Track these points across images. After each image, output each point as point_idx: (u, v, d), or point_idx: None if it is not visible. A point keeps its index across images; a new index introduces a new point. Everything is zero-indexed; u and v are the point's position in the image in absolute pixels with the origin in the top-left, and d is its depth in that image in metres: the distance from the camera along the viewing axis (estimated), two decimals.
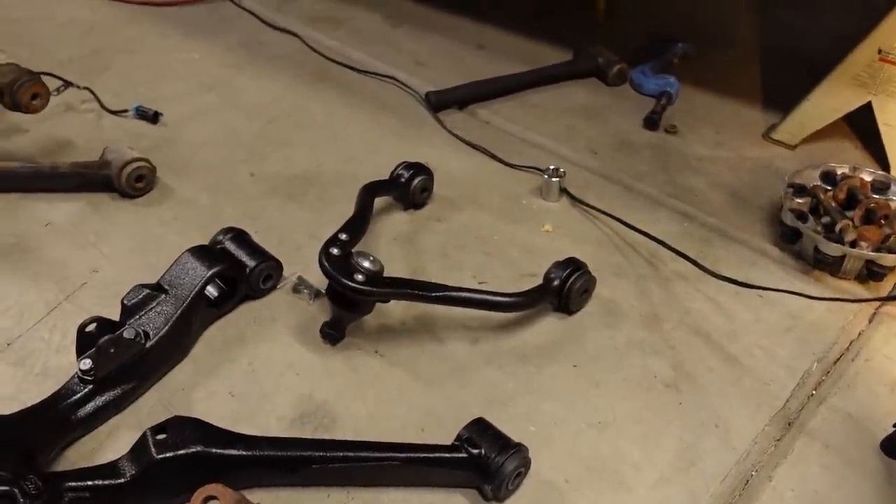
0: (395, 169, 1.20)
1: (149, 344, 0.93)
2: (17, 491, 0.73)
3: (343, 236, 0.98)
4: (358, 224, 1.04)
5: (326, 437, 0.89)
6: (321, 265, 0.94)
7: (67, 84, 1.44)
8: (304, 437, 0.89)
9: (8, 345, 1.01)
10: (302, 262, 1.12)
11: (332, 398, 0.93)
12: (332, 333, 0.99)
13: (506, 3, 1.84)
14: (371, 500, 0.83)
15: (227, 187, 1.27)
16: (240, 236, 1.08)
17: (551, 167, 1.24)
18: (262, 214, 1.22)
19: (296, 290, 1.08)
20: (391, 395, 0.94)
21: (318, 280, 1.07)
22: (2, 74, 1.17)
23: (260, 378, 0.96)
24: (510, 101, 1.50)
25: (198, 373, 0.97)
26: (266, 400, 0.93)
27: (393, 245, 1.16)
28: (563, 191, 1.24)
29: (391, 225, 1.20)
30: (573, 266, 1.03)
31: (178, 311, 0.96)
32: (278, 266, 1.08)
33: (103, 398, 0.90)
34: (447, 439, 0.84)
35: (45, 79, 1.24)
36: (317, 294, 1.07)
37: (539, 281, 1.05)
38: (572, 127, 1.44)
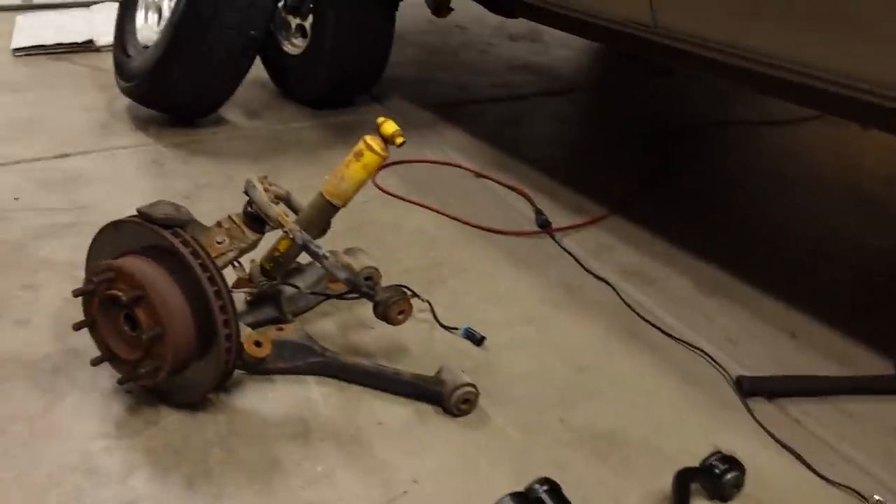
0: (709, 458, 1.22)
1: None
2: None
3: None
4: None
5: None
6: None
7: (414, 295, 1.65)
8: None
9: None
10: None
11: None
12: None
13: (821, 291, 1.84)
14: None
15: (537, 428, 1.36)
16: (555, 490, 1.14)
17: (876, 498, 1.19)
18: (568, 465, 1.28)
19: None
20: None
21: None
22: (381, 287, 1.38)
23: None
24: (824, 403, 1.46)
25: None
26: None
27: None
28: None
29: None
30: None
31: None
32: None
33: None
34: None
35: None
36: None
37: None
38: (893, 451, 1.37)
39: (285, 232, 1.32)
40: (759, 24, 1.25)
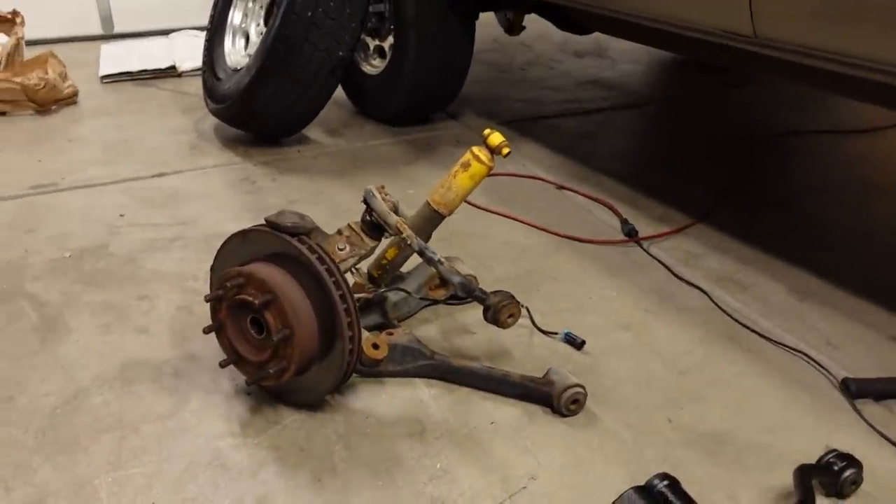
0: (826, 455, 1.23)
1: None
2: None
3: None
4: None
5: None
6: None
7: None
8: None
9: None
10: None
11: None
12: None
13: None
14: None
15: (646, 428, 1.39)
16: (675, 485, 1.16)
17: None
18: (681, 463, 1.31)
19: None
20: None
21: None
22: (491, 292, 1.43)
23: None
24: None
25: None
26: None
27: None
28: None
29: None
30: None
31: None
32: None
33: None
34: None
35: None
36: None
37: None
38: None
39: (403, 239, 1.38)
40: (868, 30, 1.27)
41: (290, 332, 1.28)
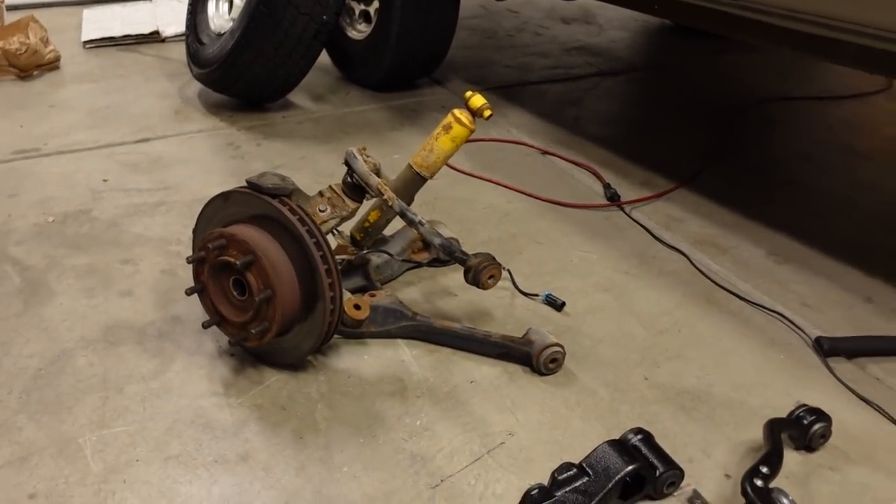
0: (796, 410, 1.26)
1: None
2: None
3: (764, 469, 1.06)
4: (775, 460, 1.11)
5: None
6: (744, 494, 1.02)
7: None
8: None
9: (441, 481, 1.21)
10: (694, 475, 1.21)
11: None
12: None
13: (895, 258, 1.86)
14: None
15: (623, 386, 1.42)
16: (648, 439, 1.19)
17: None
18: (656, 419, 1.34)
19: (691, 502, 1.17)
20: None
21: (712, 496, 1.15)
22: (472, 254, 1.44)
23: None
24: None
25: None
26: None
27: (784, 483, 1.20)
28: None
29: (784, 463, 1.25)
30: None
31: (598, 497, 1.09)
32: (682, 475, 1.17)
33: None
34: None
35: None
36: None
37: None
38: None
39: (384, 200, 1.39)
40: None
41: (272, 293, 1.29)
